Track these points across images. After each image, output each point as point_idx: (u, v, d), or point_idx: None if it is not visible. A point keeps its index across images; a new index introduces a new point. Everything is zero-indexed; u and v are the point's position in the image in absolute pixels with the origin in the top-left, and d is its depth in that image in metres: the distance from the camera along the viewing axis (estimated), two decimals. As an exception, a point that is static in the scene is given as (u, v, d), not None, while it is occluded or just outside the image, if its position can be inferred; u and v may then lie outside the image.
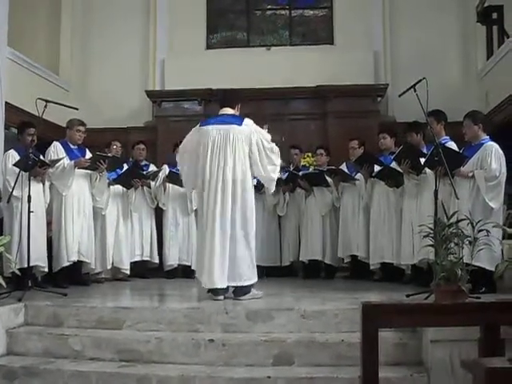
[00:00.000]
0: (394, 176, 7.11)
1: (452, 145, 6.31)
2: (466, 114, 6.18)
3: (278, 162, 5.95)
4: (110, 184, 7.65)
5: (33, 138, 6.43)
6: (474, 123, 6.05)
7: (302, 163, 9.33)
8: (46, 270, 6.65)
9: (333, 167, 8.21)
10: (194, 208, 8.42)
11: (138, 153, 8.71)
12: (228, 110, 5.95)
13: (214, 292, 5.62)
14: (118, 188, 7.94)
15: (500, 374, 2.58)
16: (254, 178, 6.07)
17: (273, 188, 6.15)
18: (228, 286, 5.67)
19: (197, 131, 5.96)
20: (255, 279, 5.76)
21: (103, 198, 7.45)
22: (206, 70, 10.44)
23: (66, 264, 6.86)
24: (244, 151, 5.75)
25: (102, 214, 7.60)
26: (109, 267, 7.74)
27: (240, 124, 5.79)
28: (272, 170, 5.88)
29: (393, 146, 7.58)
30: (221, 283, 5.57)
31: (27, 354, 4.80)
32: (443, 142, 6.25)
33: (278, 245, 8.73)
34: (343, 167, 8.17)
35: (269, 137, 5.90)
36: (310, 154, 9.73)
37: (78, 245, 6.95)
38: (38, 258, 6.45)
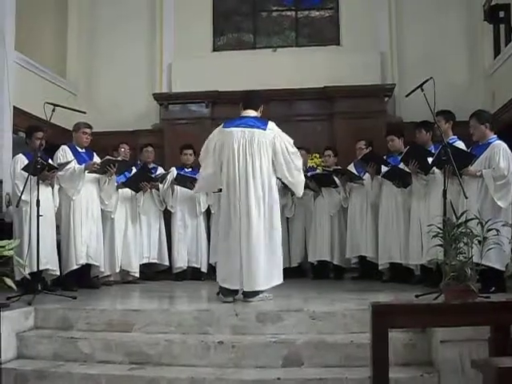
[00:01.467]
0: (401, 176, 7.10)
1: (460, 144, 6.30)
2: (472, 113, 6.16)
3: (301, 165, 6.01)
4: (118, 187, 7.66)
5: (41, 141, 6.43)
6: (481, 123, 6.03)
7: (309, 164, 9.33)
8: (57, 273, 6.69)
9: (339, 167, 8.20)
10: (203, 210, 8.45)
11: (146, 155, 8.73)
12: (251, 112, 5.93)
13: (225, 294, 5.63)
14: (127, 191, 7.94)
15: (510, 373, 2.57)
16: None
17: (301, 192, 6.16)
18: (237, 289, 5.69)
19: (220, 132, 5.93)
20: (281, 280, 5.79)
21: (112, 201, 7.47)
22: (213, 73, 10.45)
23: (75, 267, 6.88)
24: (268, 155, 5.77)
25: (110, 217, 7.62)
26: (117, 270, 7.74)
27: (265, 128, 5.79)
28: (297, 174, 5.93)
29: (402, 147, 7.55)
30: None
31: (37, 357, 4.83)
32: (451, 141, 6.23)
33: (287, 246, 8.71)
34: (351, 167, 8.16)
35: (291, 140, 5.92)
36: (317, 155, 9.73)
37: (86, 248, 6.96)
38: (49, 262, 6.47)
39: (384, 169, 7.44)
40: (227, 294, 5.63)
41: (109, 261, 7.60)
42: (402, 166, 7.03)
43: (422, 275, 6.90)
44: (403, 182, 7.12)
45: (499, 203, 5.71)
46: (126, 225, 7.93)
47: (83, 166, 6.96)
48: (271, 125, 5.85)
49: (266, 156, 5.74)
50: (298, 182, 5.98)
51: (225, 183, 5.85)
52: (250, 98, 6.09)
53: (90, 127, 7.25)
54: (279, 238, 5.81)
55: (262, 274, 5.59)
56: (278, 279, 5.75)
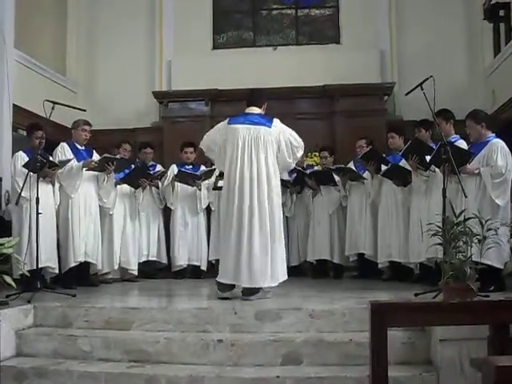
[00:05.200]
0: (401, 174, 7.10)
1: (461, 143, 6.28)
2: (467, 114, 6.14)
3: (300, 156, 6.20)
4: (117, 183, 7.64)
5: (41, 140, 6.43)
6: (477, 123, 6.02)
7: (308, 162, 9.32)
8: (57, 271, 6.69)
9: (342, 166, 8.16)
10: (203, 207, 8.43)
11: (144, 157, 8.71)
12: (255, 109, 5.97)
13: (222, 288, 5.65)
14: (126, 188, 7.93)
15: (509, 372, 2.57)
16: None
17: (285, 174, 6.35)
18: (234, 284, 5.71)
19: (225, 127, 5.97)
20: (285, 277, 5.85)
21: (110, 198, 7.45)
22: (213, 71, 10.45)
23: (73, 265, 6.87)
24: (273, 151, 5.84)
25: (109, 213, 7.60)
26: (116, 267, 7.74)
27: (270, 126, 5.85)
28: (293, 160, 6.09)
29: (402, 145, 7.53)
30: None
31: (37, 355, 4.82)
32: (453, 140, 6.22)
33: (286, 244, 8.69)
34: (351, 165, 8.14)
35: (296, 136, 5.98)
36: (316, 154, 9.73)
37: (84, 245, 6.96)
38: (48, 259, 6.48)
39: (384, 167, 7.44)
40: (224, 288, 5.65)
41: (107, 258, 7.60)
42: (402, 162, 7.02)
43: (421, 274, 6.90)
44: (403, 181, 7.12)
45: (497, 201, 5.71)
46: (124, 222, 7.92)
47: (81, 163, 6.95)
48: (276, 122, 5.92)
49: (271, 154, 5.80)
50: (288, 165, 6.15)
51: (226, 181, 5.87)
52: (254, 96, 6.15)
53: (89, 124, 7.23)
54: (280, 238, 5.83)
55: (261, 271, 5.60)
56: (282, 277, 5.80)
